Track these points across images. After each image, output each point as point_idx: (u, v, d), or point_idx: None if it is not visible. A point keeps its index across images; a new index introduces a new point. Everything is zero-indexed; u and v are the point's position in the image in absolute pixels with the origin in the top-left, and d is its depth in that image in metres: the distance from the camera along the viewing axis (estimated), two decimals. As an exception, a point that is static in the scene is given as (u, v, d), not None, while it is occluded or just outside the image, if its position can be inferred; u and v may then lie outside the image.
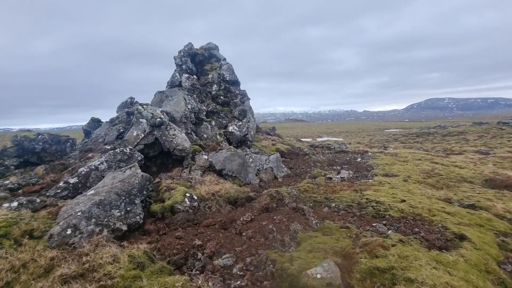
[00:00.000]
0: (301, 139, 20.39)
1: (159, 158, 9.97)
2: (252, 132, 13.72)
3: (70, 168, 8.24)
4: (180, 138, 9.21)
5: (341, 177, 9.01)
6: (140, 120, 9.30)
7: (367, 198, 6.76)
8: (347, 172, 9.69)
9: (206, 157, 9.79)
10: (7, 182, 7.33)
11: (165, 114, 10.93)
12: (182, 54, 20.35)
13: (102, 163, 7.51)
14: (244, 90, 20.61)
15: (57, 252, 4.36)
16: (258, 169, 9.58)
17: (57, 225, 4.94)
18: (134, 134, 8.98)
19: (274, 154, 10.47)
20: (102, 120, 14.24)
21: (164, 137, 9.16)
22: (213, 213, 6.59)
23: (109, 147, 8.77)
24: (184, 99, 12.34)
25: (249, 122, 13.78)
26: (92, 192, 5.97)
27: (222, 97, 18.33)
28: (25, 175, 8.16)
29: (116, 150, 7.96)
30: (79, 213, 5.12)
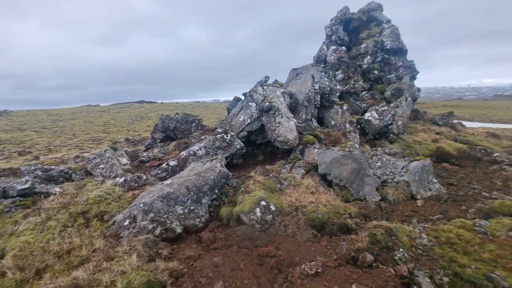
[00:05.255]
0: (499, 135, 13.18)
1: (269, 146, 9.05)
2: (401, 121, 9.92)
3: (188, 148, 8.90)
4: (284, 128, 7.74)
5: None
6: (250, 103, 8.58)
7: None
8: None
9: (317, 151, 7.84)
10: (155, 154, 8.73)
11: (286, 96, 9.69)
12: (334, 22, 17.85)
13: (200, 148, 7.48)
14: (412, 61, 15.85)
15: (103, 244, 4.41)
16: (383, 181, 6.59)
17: (121, 213, 5.12)
18: (241, 119, 8.42)
19: (420, 160, 6.88)
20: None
21: (269, 125, 8.03)
22: (284, 237, 4.94)
23: (220, 131, 8.73)
24: (312, 77, 10.46)
25: (397, 107, 9.99)
26: (168, 181, 5.89)
27: (376, 72, 14.80)
28: (163, 148, 9.64)
29: (217, 136, 7.70)
30: (141, 205, 5.07)
